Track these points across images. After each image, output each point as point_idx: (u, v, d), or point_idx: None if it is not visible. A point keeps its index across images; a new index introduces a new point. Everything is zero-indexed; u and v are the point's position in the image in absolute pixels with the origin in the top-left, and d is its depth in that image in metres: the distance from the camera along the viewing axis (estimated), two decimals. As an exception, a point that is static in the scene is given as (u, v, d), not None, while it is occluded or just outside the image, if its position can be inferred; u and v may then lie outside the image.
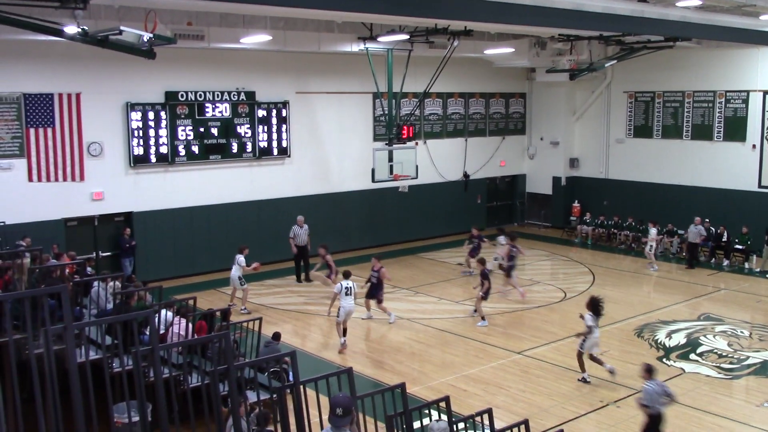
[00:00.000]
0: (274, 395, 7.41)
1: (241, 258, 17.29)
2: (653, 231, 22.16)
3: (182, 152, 20.11)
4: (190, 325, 11.17)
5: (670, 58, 24.27)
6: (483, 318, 16.61)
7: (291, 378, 7.61)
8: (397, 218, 24.51)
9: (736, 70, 23.56)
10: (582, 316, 13.32)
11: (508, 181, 29.02)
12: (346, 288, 14.95)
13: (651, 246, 22.01)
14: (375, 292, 16.41)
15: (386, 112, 21.54)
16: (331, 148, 23.28)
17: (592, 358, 13.20)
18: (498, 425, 8.43)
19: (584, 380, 13.18)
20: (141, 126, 19.40)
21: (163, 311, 11.33)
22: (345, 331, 15.07)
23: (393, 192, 22.89)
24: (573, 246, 25.42)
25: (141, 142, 19.46)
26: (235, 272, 17.31)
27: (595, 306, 13.08)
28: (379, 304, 16.43)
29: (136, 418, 7.28)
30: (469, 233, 21.31)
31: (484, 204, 27.99)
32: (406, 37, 19.91)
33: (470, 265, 20.51)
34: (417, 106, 23.76)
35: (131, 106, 19.20)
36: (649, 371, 10.23)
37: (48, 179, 18.18)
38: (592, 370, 13.64)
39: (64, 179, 18.40)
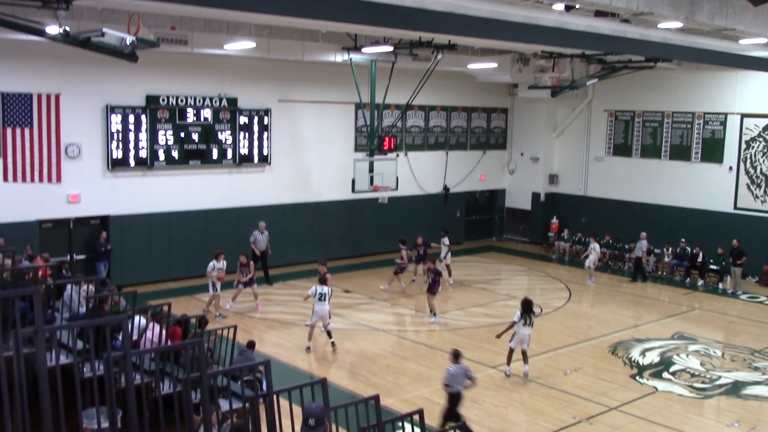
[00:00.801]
0: (247, 404, 7.34)
1: (210, 264, 17.20)
2: (595, 245, 22.60)
3: (162, 157, 19.97)
4: (164, 331, 11.05)
5: (651, 78, 24.56)
6: (434, 314, 17.80)
7: (265, 387, 7.55)
8: (376, 229, 24.49)
9: (715, 92, 23.88)
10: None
11: (487, 195, 29.12)
12: (320, 294, 15.09)
13: (592, 259, 22.38)
14: None
15: (368, 122, 21.56)
16: (312, 158, 23.24)
17: (522, 353, 14.19)
18: (471, 439, 8.42)
19: (506, 374, 14.26)
20: (120, 129, 19.24)
21: (137, 317, 11.20)
22: (330, 333, 15.38)
23: (373, 203, 22.88)
24: (550, 262, 25.54)
25: (120, 146, 19.29)
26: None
27: (525, 305, 14.10)
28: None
29: (105, 425, 7.18)
30: (415, 244, 21.33)
31: (463, 217, 28.07)
32: (390, 48, 19.98)
33: (416, 273, 21.33)
34: (399, 117, 23.81)
35: (111, 109, 19.05)
36: (455, 356, 11.31)
37: (24, 180, 17.96)
38: (566, 386, 13.71)
39: (41, 180, 18.19)
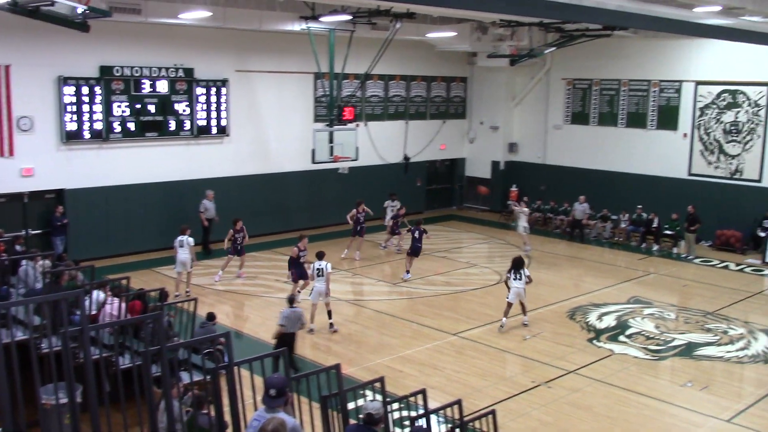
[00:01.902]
0: (208, 376, 7.35)
1: (191, 239, 16.78)
2: (523, 209, 22.50)
3: (117, 129, 19.63)
4: (123, 305, 10.96)
5: (608, 46, 24.75)
6: (408, 271, 18.89)
7: (226, 359, 7.57)
8: (336, 199, 24.43)
9: (670, 60, 24.19)
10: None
11: (447, 164, 29.24)
12: (318, 269, 14.77)
13: (522, 225, 22.14)
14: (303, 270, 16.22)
15: (327, 92, 21.42)
16: (271, 128, 23.05)
17: (520, 305, 15.48)
18: (432, 405, 8.55)
19: (501, 326, 15.22)
20: (74, 101, 18.83)
21: (95, 291, 11.09)
22: (330, 313, 14.94)
23: (333, 173, 22.83)
24: (510, 230, 25.75)
25: (74, 118, 18.89)
26: (187, 255, 16.68)
27: (513, 262, 15.44)
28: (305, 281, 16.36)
29: (64, 400, 7.15)
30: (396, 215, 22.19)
31: (423, 187, 28.17)
32: (349, 17, 19.81)
33: (386, 241, 22.25)
34: (358, 87, 23.69)
35: (64, 80, 18.62)
36: (290, 301, 12.72)
37: (-25, 154, 17.53)
38: (526, 351, 13.97)
39: (-8, 154, 17.79)
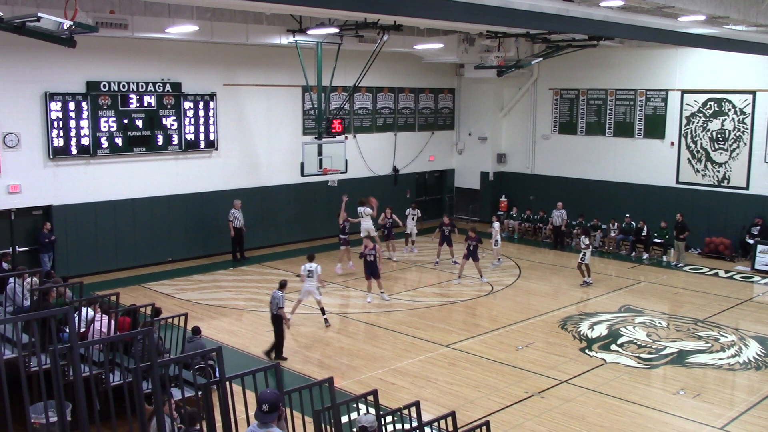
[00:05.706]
0: (200, 392, 7.29)
1: (319, 267, 16.00)
2: (496, 225, 22.20)
3: (105, 144, 19.54)
4: (113, 321, 10.87)
5: (594, 56, 24.91)
6: (481, 275, 20.01)
7: (217, 374, 7.50)
8: (326, 212, 24.40)
9: (656, 69, 24.35)
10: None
11: (437, 175, 29.28)
12: (309, 270, 15.73)
13: (496, 241, 21.95)
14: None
15: (315, 105, 21.43)
16: (260, 142, 23.02)
17: (587, 267, 19.49)
18: (425, 418, 8.51)
19: (586, 283, 19.48)
20: (61, 117, 18.75)
21: (84, 308, 10.99)
22: (323, 310, 15.99)
23: (322, 186, 22.80)
24: (501, 240, 25.76)
25: (61, 134, 18.80)
26: (314, 284, 15.87)
27: (584, 231, 19.98)
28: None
29: (54, 419, 7.06)
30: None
31: (413, 198, 28.13)
32: (336, 30, 19.84)
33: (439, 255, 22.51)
34: (346, 100, 23.71)
35: (50, 96, 18.53)
36: (281, 286, 14.13)
37: (-39, 171, 17.40)
38: (518, 362, 13.95)
39: (-22, 171, 17.65)
